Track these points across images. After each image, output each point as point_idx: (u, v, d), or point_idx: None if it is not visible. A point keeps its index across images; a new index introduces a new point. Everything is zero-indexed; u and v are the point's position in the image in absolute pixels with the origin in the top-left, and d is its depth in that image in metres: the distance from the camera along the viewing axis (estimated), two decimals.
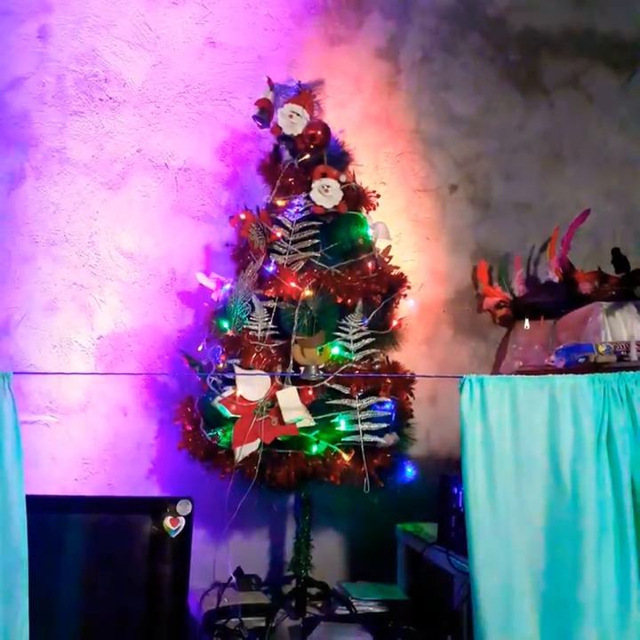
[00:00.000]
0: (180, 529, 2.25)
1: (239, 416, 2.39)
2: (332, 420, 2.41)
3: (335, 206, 2.60)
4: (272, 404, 2.41)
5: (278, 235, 2.59)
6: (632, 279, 2.66)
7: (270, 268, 2.56)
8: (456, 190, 3.27)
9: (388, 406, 2.46)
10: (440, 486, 2.52)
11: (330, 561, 2.89)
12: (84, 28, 3.05)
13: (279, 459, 2.38)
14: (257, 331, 2.52)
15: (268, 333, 2.52)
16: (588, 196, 3.31)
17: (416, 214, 3.23)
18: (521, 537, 1.80)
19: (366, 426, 2.41)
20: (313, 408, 2.41)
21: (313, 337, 2.50)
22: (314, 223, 2.61)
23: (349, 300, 2.54)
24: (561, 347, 2.45)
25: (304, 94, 2.74)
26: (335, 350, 2.49)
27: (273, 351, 2.48)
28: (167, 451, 2.89)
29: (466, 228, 3.26)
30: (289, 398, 2.39)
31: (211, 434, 2.42)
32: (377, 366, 2.56)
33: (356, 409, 2.41)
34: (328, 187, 2.60)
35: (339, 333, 2.52)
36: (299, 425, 2.38)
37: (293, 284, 2.52)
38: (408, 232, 3.19)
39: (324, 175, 2.62)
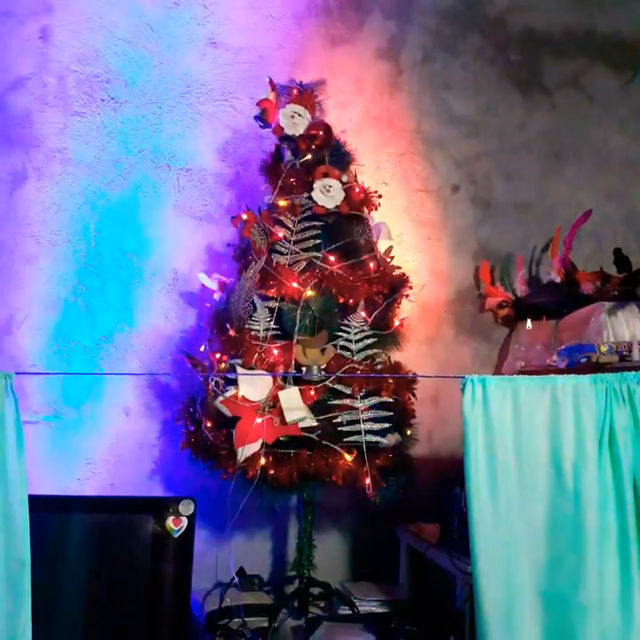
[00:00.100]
0: (183, 529, 2.26)
1: (241, 416, 2.39)
2: (334, 420, 2.41)
3: (337, 206, 2.61)
4: (274, 405, 2.41)
5: (280, 235, 2.60)
6: (634, 279, 2.66)
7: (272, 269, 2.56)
8: (457, 190, 3.28)
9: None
10: (442, 486, 2.53)
11: (332, 561, 2.89)
12: (86, 29, 3.05)
13: (281, 459, 2.38)
14: (259, 331, 2.52)
15: (269, 333, 2.52)
16: (588, 196, 3.32)
17: (417, 214, 3.23)
18: (523, 536, 1.80)
19: (368, 426, 2.41)
20: (315, 408, 2.41)
21: (315, 337, 2.50)
22: (315, 223, 2.62)
23: (351, 300, 2.55)
24: (563, 347, 2.46)
25: (306, 94, 2.74)
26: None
27: (275, 351, 2.48)
28: (170, 451, 2.89)
29: (467, 229, 3.26)
30: (291, 398, 2.39)
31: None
32: (379, 366, 2.56)
33: (357, 409, 2.42)
34: (330, 187, 2.61)
35: (340, 333, 2.53)
36: (301, 425, 2.38)
37: (295, 285, 2.52)
38: (409, 232, 3.20)
39: (326, 175, 2.62)
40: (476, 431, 1.81)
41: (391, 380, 2.47)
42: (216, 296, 2.72)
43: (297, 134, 2.66)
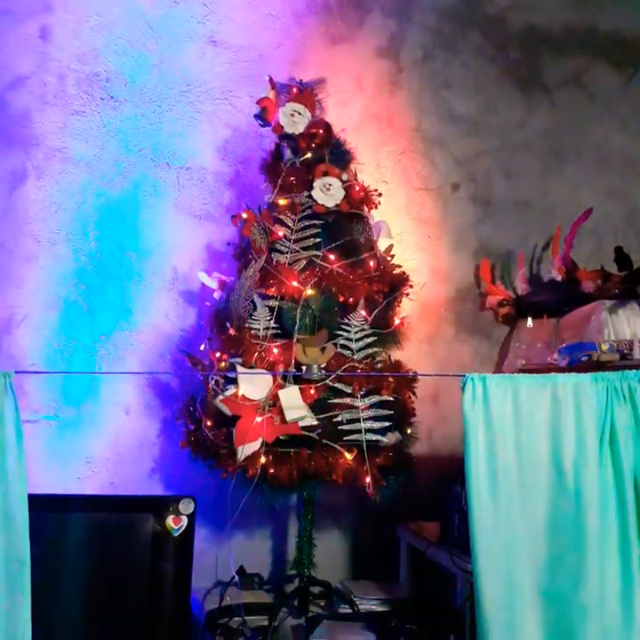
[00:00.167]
0: (183, 528, 2.25)
1: (241, 415, 2.39)
2: (334, 419, 2.41)
3: (337, 205, 2.61)
4: (274, 403, 2.40)
5: (280, 233, 2.59)
6: (635, 277, 2.66)
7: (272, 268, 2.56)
8: (458, 189, 3.27)
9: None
10: (442, 485, 2.52)
11: (332, 560, 2.89)
12: (86, 28, 3.04)
13: (281, 458, 2.38)
14: (259, 330, 2.52)
15: (269, 332, 2.52)
16: (588, 195, 3.31)
17: (418, 213, 3.23)
18: (524, 535, 1.80)
19: (368, 425, 2.41)
20: (315, 407, 2.41)
21: (315, 336, 2.50)
22: (315, 222, 2.62)
23: (351, 299, 2.54)
24: (564, 345, 2.46)
25: (306, 93, 2.74)
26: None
27: (275, 350, 2.48)
28: (169, 450, 2.89)
29: (467, 227, 3.26)
30: (291, 397, 2.39)
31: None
32: (379, 365, 2.56)
33: (358, 408, 2.41)
34: (330, 185, 2.61)
35: (341, 332, 2.52)
36: (301, 424, 2.38)
37: (295, 283, 2.52)
38: (410, 231, 3.19)
39: (326, 174, 2.62)
40: (476, 430, 1.81)
41: (391, 379, 2.47)
42: (216, 295, 2.72)
43: (297, 133, 2.65)
